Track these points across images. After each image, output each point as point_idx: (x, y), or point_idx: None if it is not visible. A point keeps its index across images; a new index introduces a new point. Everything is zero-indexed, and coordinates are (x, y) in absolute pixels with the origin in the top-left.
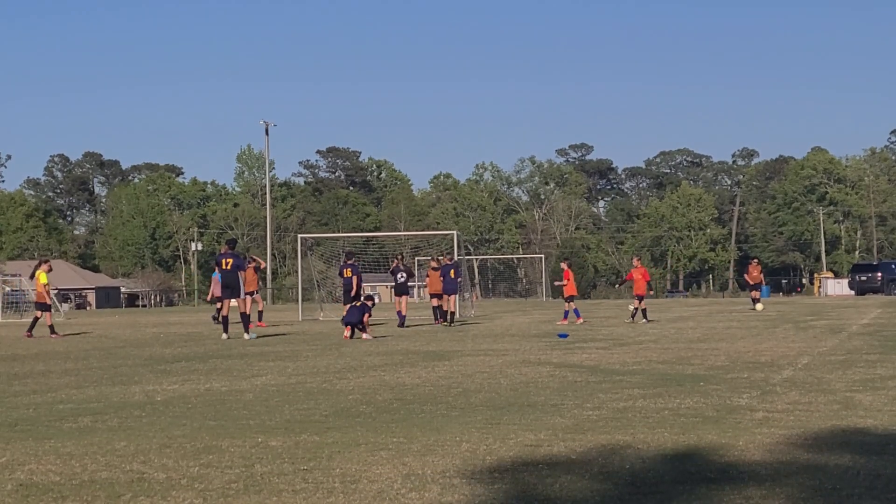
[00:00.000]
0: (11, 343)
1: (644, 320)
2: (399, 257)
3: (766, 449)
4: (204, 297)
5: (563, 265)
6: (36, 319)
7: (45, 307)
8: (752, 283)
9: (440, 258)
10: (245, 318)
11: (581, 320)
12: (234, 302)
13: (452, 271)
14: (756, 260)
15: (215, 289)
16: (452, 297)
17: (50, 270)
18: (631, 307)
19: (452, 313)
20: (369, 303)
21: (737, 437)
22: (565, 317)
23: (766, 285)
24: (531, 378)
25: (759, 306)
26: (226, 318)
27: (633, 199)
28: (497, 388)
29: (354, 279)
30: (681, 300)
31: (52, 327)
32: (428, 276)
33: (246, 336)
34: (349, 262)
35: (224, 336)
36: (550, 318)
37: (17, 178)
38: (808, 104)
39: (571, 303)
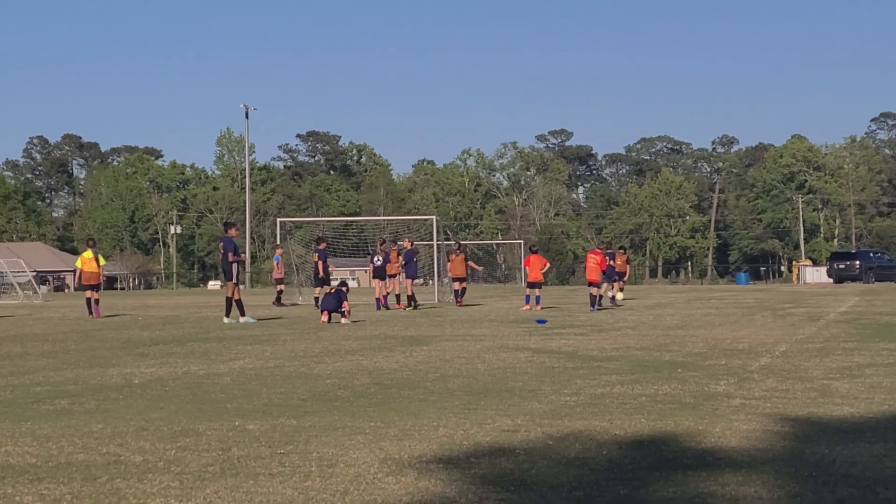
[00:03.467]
0: None
1: (537, 307)
2: (381, 242)
3: (743, 436)
4: (182, 281)
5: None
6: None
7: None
8: (618, 272)
9: (451, 244)
10: (228, 303)
11: (527, 307)
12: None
13: (416, 258)
14: (623, 249)
15: (277, 272)
16: (409, 281)
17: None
18: (610, 293)
19: (409, 296)
20: (343, 289)
21: (714, 423)
22: (537, 302)
23: (739, 273)
24: (509, 363)
25: (619, 295)
26: (239, 302)
27: (612, 186)
28: (475, 374)
29: (320, 263)
30: (658, 286)
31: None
32: (449, 260)
33: (225, 320)
34: (318, 247)
35: (241, 319)
36: (528, 308)
37: None
38: (788, 92)
39: (537, 289)
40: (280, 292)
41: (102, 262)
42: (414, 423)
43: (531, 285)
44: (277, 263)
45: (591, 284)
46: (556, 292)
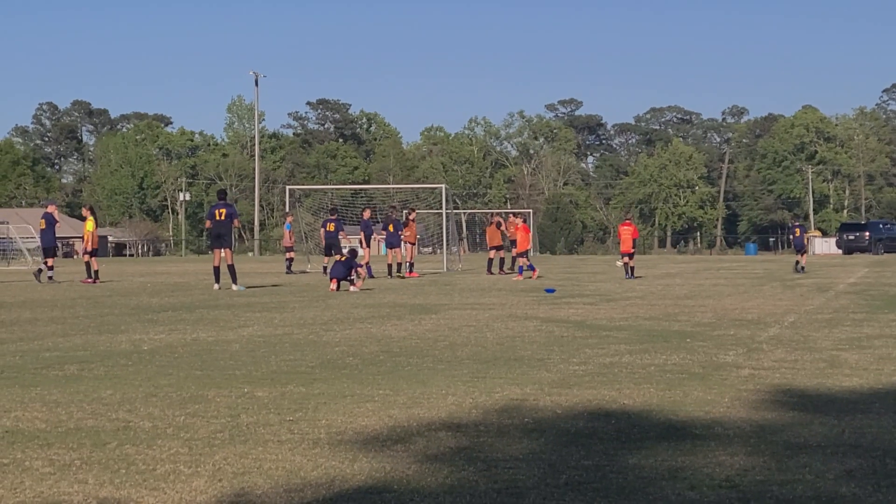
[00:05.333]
0: None
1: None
2: (364, 210)
3: (752, 406)
4: (191, 248)
5: (518, 221)
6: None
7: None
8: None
9: (496, 215)
10: (232, 269)
11: (520, 277)
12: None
13: (392, 226)
14: (520, 218)
15: (287, 240)
16: (396, 249)
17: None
18: (619, 264)
19: (399, 265)
20: (354, 257)
21: (722, 393)
22: (520, 272)
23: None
24: (518, 332)
25: (519, 277)
26: (216, 269)
27: (621, 156)
28: (483, 342)
29: (342, 233)
30: (667, 256)
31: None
32: (487, 230)
33: (234, 287)
34: (332, 216)
35: (215, 286)
36: (538, 273)
37: (6, 125)
38: (799, 62)
39: (524, 258)
40: (290, 260)
41: None
42: (422, 392)
43: (521, 254)
44: (289, 231)
45: (623, 255)
46: (565, 262)
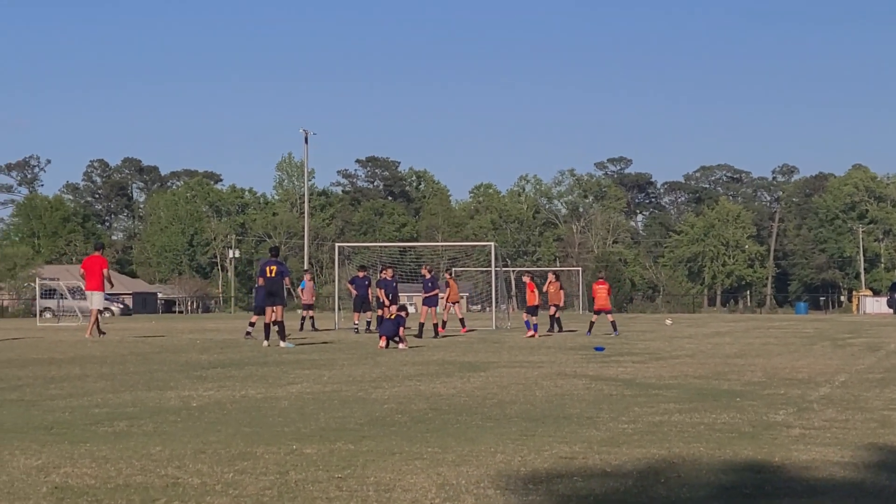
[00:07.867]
0: (48, 346)
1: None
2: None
3: (802, 465)
4: (240, 305)
5: (525, 279)
6: None
7: None
8: (450, 300)
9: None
10: (281, 326)
11: (532, 334)
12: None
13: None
14: (528, 276)
15: (305, 296)
16: (431, 308)
17: None
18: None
19: (426, 325)
20: (403, 314)
21: (773, 453)
22: (535, 329)
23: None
24: (566, 390)
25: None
26: (267, 326)
27: (671, 214)
28: (532, 400)
29: (381, 291)
30: (717, 315)
31: None
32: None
33: (282, 344)
34: (359, 274)
35: (265, 343)
36: (586, 331)
37: (57, 182)
38: (849, 121)
39: (534, 315)
40: (311, 318)
41: None
42: (471, 449)
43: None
44: (303, 290)
45: (598, 312)
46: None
